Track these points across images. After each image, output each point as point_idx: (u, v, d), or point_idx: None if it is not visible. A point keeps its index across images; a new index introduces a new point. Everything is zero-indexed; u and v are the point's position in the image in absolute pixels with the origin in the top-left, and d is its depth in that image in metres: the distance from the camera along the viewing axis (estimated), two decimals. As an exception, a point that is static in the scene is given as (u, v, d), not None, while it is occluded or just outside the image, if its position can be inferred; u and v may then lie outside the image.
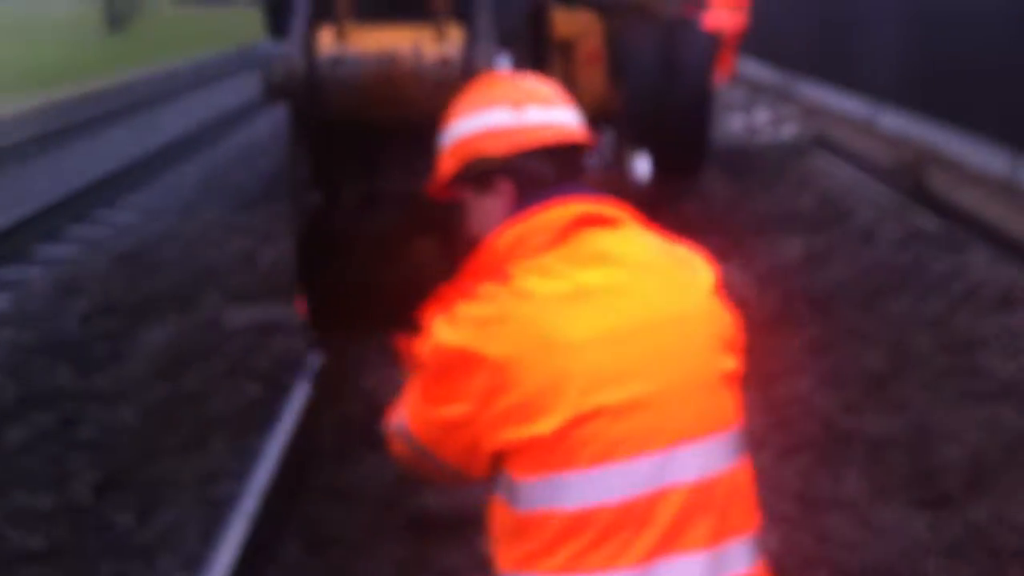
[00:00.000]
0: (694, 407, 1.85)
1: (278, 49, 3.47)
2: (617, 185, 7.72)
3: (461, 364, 1.84)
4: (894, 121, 13.97)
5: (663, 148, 7.80)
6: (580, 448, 1.78)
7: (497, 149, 1.93)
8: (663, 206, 8.18)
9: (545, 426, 1.78)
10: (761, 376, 5.78)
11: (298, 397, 5.01)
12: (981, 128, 10.41)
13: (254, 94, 8.08)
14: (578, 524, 1.78)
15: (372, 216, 4.09)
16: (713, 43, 8.65)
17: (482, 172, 1.97)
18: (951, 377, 5.73)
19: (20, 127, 15.11)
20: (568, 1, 6.68)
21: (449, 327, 1.86)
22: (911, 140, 12.38)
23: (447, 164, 2.01)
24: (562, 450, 1.78)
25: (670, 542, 1.80)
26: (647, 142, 7.64)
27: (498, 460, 1.85)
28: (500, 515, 1.88)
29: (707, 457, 1.85)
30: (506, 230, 1.93)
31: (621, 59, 8.13)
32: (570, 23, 6.65)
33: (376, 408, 5.26)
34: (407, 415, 1.99)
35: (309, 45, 3.50)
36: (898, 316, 6.54)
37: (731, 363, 1.92)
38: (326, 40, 3.56)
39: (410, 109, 3.51)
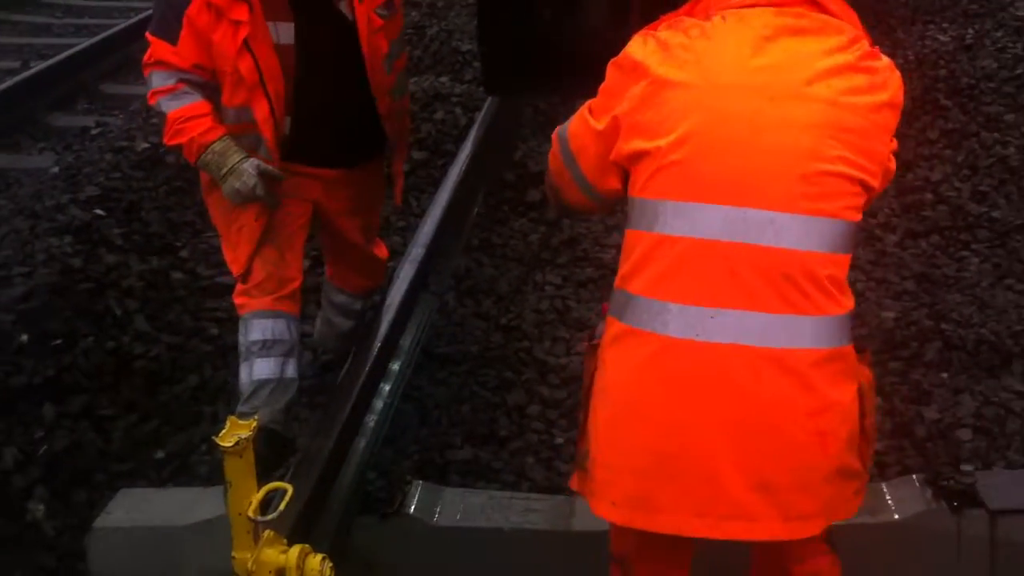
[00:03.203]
0: (792, 182, 1.86)
1: None
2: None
3: (632, 72, 1.98)
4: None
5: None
6: (682, 178, 1.88)
7: None
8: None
9: (664, 141, 1.89)
10: (896, 163, 5.50)
11: (458, 163, 5.01)
12: None
13: None
14: (661, 248, 1.89)
15: None
16: None
17: None
18: (1088, 171, 5.37)
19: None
20: None
21: (641, 43, 2.01)
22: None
23: None
24: (668, 176, 1.89)
25: (742, 295, 1.85)
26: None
27: (621, 176, 2.01)
28: (622, 241, 2.02)
29: (792, 231, 1.85)
30: None
31: None
32: None
33: (525, 177, 5.26)
34: (571, 122, 2.14)
35: None
36: (1042, 109, 6.07)
37: (843, 167, 1.90)
38: None
39: None
